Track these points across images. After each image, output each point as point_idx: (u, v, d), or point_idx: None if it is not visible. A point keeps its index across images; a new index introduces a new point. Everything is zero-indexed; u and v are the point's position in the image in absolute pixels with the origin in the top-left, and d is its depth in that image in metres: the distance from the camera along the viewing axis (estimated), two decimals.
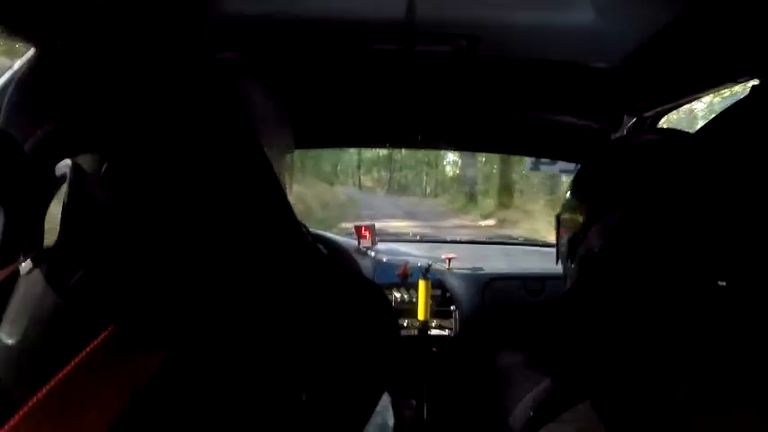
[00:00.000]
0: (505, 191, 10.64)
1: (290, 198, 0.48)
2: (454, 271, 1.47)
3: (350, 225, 1.61)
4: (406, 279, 1.42)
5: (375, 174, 21.99)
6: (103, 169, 0.39)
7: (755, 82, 0.79)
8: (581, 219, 0.58)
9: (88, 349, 0.36)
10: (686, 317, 0.43)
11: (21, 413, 0.33)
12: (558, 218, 0.67)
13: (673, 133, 0.57)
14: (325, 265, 0.50)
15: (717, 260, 0.41)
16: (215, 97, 0.43)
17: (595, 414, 0.44)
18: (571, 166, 1.63)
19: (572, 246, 0.59)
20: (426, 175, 20.17)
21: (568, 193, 0.64)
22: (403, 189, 20.46)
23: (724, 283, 0.40)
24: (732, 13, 0.71)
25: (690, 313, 0.43)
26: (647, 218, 0.46)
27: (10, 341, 0.39)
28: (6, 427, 0.32)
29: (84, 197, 0.41)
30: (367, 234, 1.53)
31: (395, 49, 0.96)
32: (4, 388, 0.37)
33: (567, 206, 0.63)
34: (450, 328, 1.38)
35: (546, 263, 1.64)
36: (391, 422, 0.49)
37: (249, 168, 0.43)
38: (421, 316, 1.35)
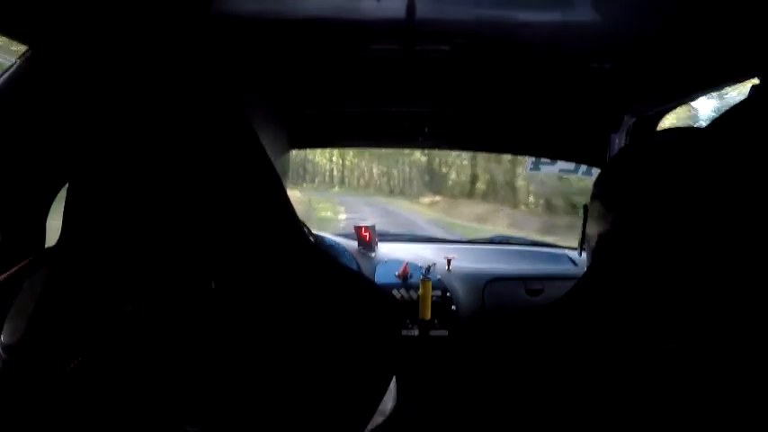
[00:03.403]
0: None
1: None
2: (454, 271, 1.47)
3: None
4: (406, 279, 1.42)
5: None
6: (105, 170, 0.39)
7: (756, 81, 0.79)
8: (605, 217, 0.57)
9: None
10: (692, 320, 0.43)
11: None
12: (585, 207, 0.66)
13: (689, 132, 0.57)
14: (326, 265, 0.50)
15: (724, 262, 0.41)
16: (215, 97, 0.43)
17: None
18: (571, 165, 1.63)
19: (601, 243, 0.59)
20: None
21: (595, 185, 0.63)
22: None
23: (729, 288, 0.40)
24: (732, 12, 0.71)
25: (697, 316, 0.42)
26: (650, 219, 0.46)
27: (8, 341, 0.39)
28: None
29: (85, 197, 0.41)
30: (367, 235, 1.53)
31: (395, 49, 0.96)
32: (4, 388, 0.37)
33: (596, 201, 0.62)
34: (451, 329, 1.38)
35: (546, 263, 1.64)
36: (390, 405, 0.49)
37: (250, 168, 0.43)
38: (422, 316, 1.35)
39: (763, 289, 0.39)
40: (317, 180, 14.73)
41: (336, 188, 14.92)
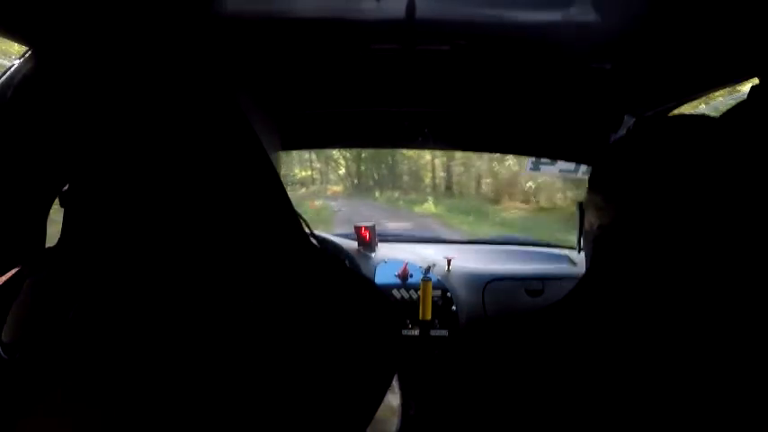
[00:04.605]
0: None
1: None
2: (454, 271, 1.47)
3: None
4: (406, 279, 1.42)
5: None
6: (105, 170, 0.39)
7: (755, 81, 0.79)
8: (603, 211, 0.56)
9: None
10: (691, 320, 0.43)
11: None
12: (580, 205, 0.65)
13: (696, 123, 0.56)
14: (326, 265, 0.50)
15: (722, 260, 0.41)
16: (215, 97, 0.43)
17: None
18: (571, 165, 1.63)
19: (598, 239, 0.58)
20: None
21: (592, 176, 0.62)
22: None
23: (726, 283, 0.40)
24: (732, 12, 0.71)
25: (694, 317, 0.42)
26: (653, 215, 0.46)
27: (8, 341, 0.39)
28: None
29: (85, 198, 0.41)
30: (367, 234, 1.53)
31: (395, 49, 0.96)
32: (5, 388, 0.37)
33: (596, 193, 0.61)
34: (451, 329, 1.38)
35: (546, 263, 1.64)
36: (396, 402, 0.49)
37: (249, 168, 0.43)
38: (422, 316, 1.35)
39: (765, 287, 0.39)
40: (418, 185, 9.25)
41: (430, 201, 8.57)
